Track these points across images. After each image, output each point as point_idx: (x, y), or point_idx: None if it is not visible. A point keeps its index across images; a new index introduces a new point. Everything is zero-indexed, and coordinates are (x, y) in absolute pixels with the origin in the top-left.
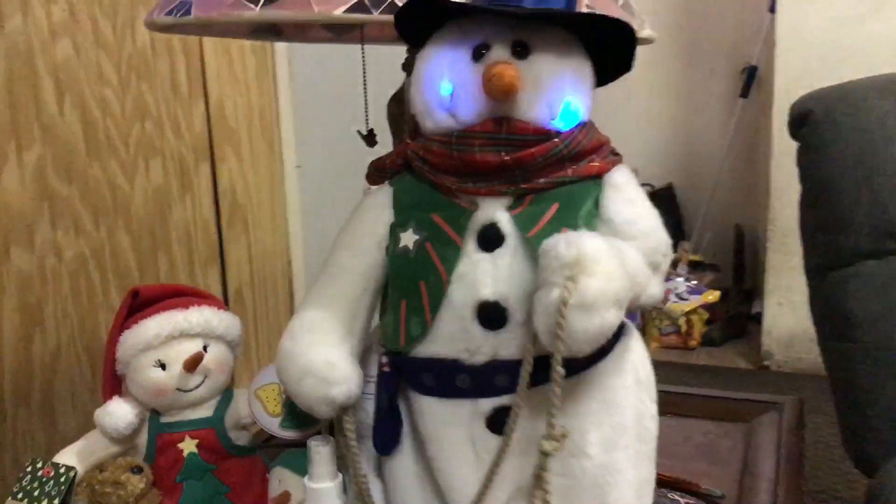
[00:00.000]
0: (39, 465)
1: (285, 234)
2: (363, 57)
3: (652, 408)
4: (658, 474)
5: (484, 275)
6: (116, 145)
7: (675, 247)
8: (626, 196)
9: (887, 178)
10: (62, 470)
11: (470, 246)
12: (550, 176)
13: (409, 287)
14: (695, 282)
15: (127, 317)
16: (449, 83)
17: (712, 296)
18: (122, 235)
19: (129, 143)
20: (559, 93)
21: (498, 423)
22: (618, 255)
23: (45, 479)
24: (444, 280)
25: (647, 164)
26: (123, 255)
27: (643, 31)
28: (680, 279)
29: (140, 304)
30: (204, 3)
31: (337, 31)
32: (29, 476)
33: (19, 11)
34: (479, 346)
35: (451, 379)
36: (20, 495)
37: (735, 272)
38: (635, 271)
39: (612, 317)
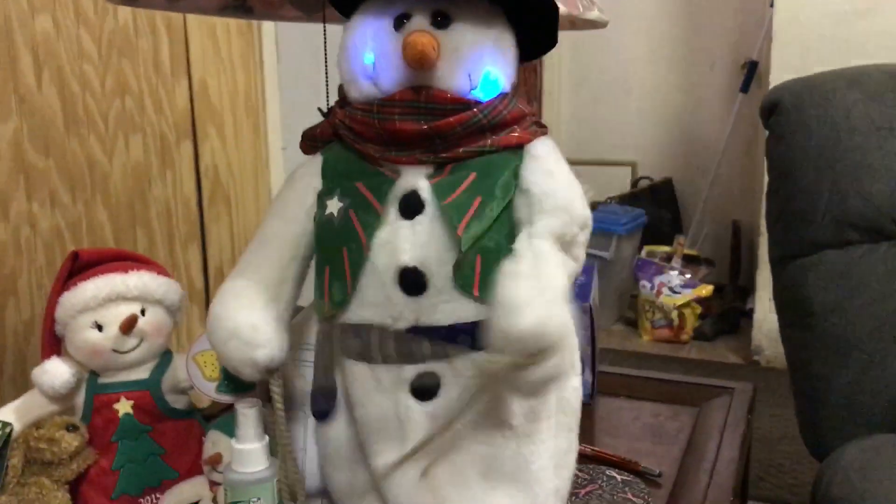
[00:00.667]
0: None
1: None
2: (325, 36)
3: (575, 381)
4: (598, 452)
5: (404, 241)
6: (96, 120)
7: (672, 240)
8: (545, 167)
9: (849, 169)
10: (0, 426)
11: (391, 214)
12: (470, 145)
13: (332, 253)
14: (689, 276)
15: (67, 279)
16: (371, 52)
17: (706, 290)
18: (100, 210)
19: (108, 119)
20: (479, 63)
21: (420, 389)
22: (534, 284)
23: None
24: (364, 246)
25: (647, 157)
26: (100, 229)
27: (590, 13)
28: (674, 272)
29: (80, 267)
30: None
31: (305, 10)
32: None
33: None
34: (401, 312)
35: (378, 345)
36: None
37: (731, 268)
38: (557, 280)
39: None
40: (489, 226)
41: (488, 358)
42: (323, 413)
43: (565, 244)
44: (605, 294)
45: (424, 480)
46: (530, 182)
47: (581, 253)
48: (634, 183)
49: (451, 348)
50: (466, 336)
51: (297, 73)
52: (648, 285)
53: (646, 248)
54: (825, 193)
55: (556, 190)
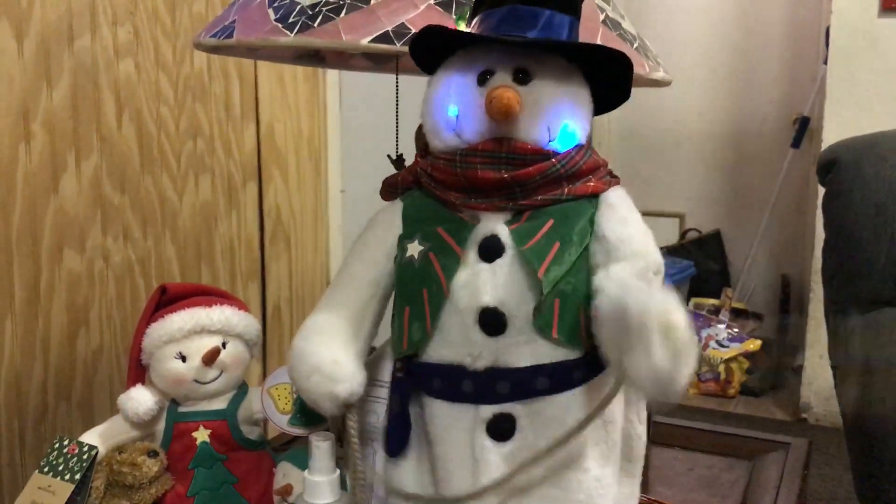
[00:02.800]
0: (66, 442)
1: (325, 254)
2: (397, 86)
3: (640, 429)
4: (654, 501)
5: (484, 283)
6: (169, 160)
7: (720, 293)
8: (619, 215)
9: None
10: (85, 448)
11: (471, 257)
12: (547, 194)
13: (412, 294)
14: (736, 329)
15: (154, 311)
16: (455, 105)
17: (753, 344)
18: (169, 246)
19: (180, 159)
20: (557, 116)
21: (497, 429)
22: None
23: (69, 456)
24: (445, 288)
25: (696, 209)
26: (168, 264)
27: (656, 74)
28: (721, 326)
29: (167, 300)
30: (245, 28)
31: (375, 61)
32: (56, 452)
33: (88, 31)
34: (481, 352)
35: (457, 383)
36: (46, 469)
37: (779, 322)
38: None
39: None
40: (567, 270)
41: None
42: (396, 449)
43: None
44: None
45: None
46: (606, 229)
47: None
48: (683, 234)
49: (528, 389)
50: (544, 378)
51: (356, 120)
52: (696, 338)
53: (693, 301)
54: (883, 250)
55: (632, 236)
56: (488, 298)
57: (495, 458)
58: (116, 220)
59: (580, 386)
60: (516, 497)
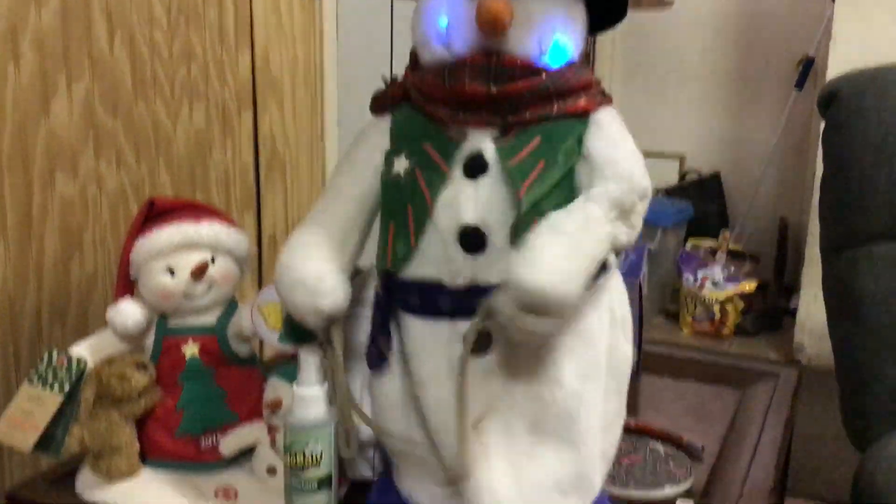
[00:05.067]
0: (55, 355)
1: (322, 185)
2: (392, 7)
3: (626, 348)
4: (642, 425)
5: (466, 200)
6: (162, 85)
7: (717, 235)
8: (608, 135)
9: None
10: (74, 361)
11: (456, 173)
12: (536, 110)
13: (397, 210)
14: (733, 271)
15: (143, 224)
16: (445, 17)
17: (749, 286)
18: (163, 173)
19: (174, 85)
20: (549, 30)
21: (475, 344)
22: (573, 245)
23: (58, 368)
24: (429, 204)
25: (696, 150)
26: (163, 191)
27: None
28: (718, 267)
29: (156, 214)
30: None
31: None
32: (45, 365)
33: None
34: (460, 270)
35: (434, 300)
36: (35, 380)
37: (776, 265)
38: (598, 243)
39: (569, 314)
40: (549, 190)
41: (494, 299)
42: (377, 364)
43: (623, 212)
44: (648, 285)
45: (474, 432)
46: (594, 149)
47: (638, 222)
48: (682, 176)
49: None
50: None
51: (354, 51)
52: (691, 278)
53: (690, 242)
54: (881, 184)
55: (619, 158)
56: (469, 216)
57: (475, 372)
58: (109, 145)
59: None
60: (496, 410)
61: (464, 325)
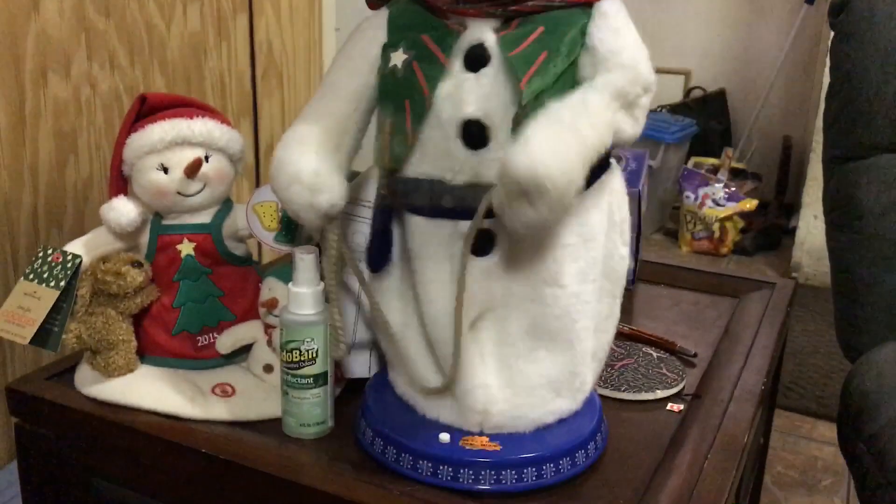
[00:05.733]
0: (50, 251)
1: None
2: None
3: (623, 250)
4: (635, 330)
5: (468, 93)
6: None
7: (720, 153)
8: (612, 25)
9: None
10: (69, 257)
11: (456, 66)
12: (539, 0)
13: (394, 105)
14: (734, 189)
15: (135, 121)
16: None
17: (750, 204)
18: (157, 76)
19: None
20: None
21: (476, 244)
22: (568, 131)
23: (53, 264)
24: (427, 98)
25: (702, 66)
26: None
27: None
28: (719, 185)
29: (148, 110)
30: None
31: None
32: (40, 261)
33: None
34: (462, 166)
35: (437, 198)
36: (31, 276)
37: (778, 183)
38: (598, 131)
39: (566, 202)
40: (552, 82)
41: (492, 192)
42: (378, 264)
43: (627, 104)
44: (648, 202)
45: (471, 332)
46: (597, 39)
47: (642, 116)
48: (687, 92)
49: None
50: None
51: None
52: (692, 196)
53: (693, 159)
54: (889, 96)
55: (623, 48)
56: (472, 109)
57: (474, 272)
58: (102, 47)
59: None
60: (493, 311)
61: (466, 225)
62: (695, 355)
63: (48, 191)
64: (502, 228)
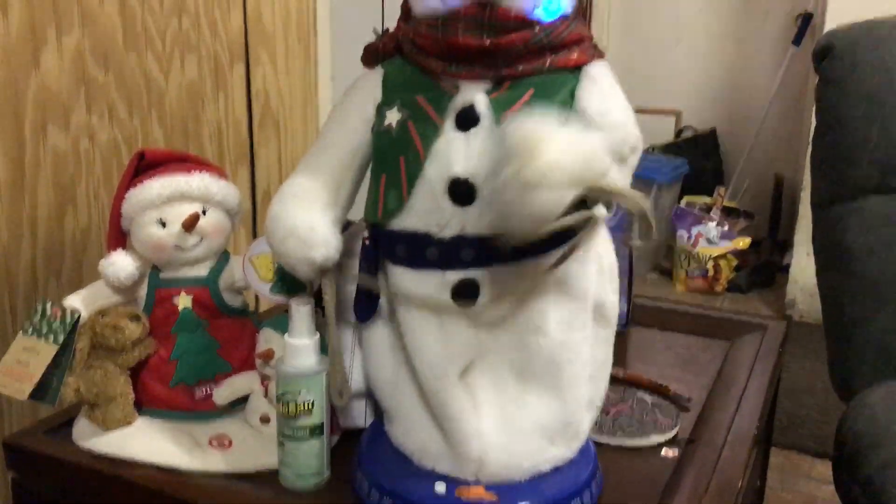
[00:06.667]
0: (49, 306)
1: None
2: None
3: (613, 297)
4: (630, 375)
5: (457, 152)
6: (154, 38)
7: (712, 192)
8: (600, 88)
9: None
10: (68, 312)
11: (448, 125)
12: (529, 63)
13: (389, 162)
14: (727, 227)
15: (133, 177)
16: None
17: (743, 242)
18: (156, 126)
19: (165, 38)
20: None
21: (462, 294)
22: (571, 136)
23: (52, 319)
24: (422, 156)
25: (693, 106)
26: (155, 145)
27: None
28: (712, 223)
29: (146, 166)
30: None
31: None
32: (39, 315)
33: None
34: (449, 221)
35: (422, 250)
36: (30, 331)
37: (770, 221)
38: (592, 153)
39: (557, 196)
40: None
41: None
42: (365, 315)
43: (616, 161)
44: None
45: (462, 379)
46: (585, 101)
47: (629, 175)
48: (678, 132)
49: (493, 256)
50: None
51: (347, 4)
52: (686, 235)
53: (685, 198)
54: (873, 138)
55: (611, 109)
56: (459, 168)
57: (462, 322)
58: (101, 99)
59: (542, 254)
60: (483, 358)
61: (451, 275)
62: (689, 400)
63: (46, 241)
64: (488, 278)
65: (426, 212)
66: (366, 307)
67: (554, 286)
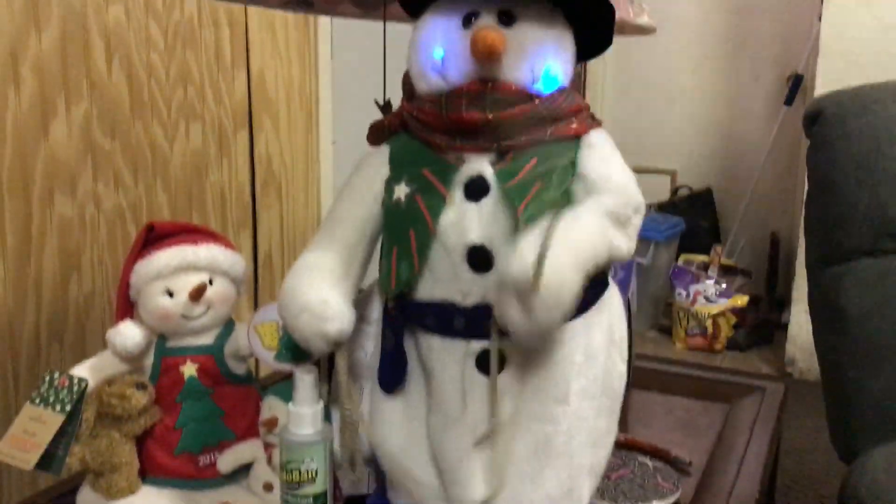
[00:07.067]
0: (56, 375)
1: (317, 205)
2: (384, 32)
3: (621, 367)
4: (631, 440)
5: (471, 221)
6: (159, 107)
7: (709, 250)
8: (600, 155)
9: (889, 178)
10: (76, 381)
11: (458, 197)
12: (531, 135)
13: (399, 234)
14: (724, 285)
15: (142, 248)
16: (441, 48)
17: (741, 300)
18: (160, 193)
19: (171, 107)
20: (541, 58)
21: (485, 363)
22: (568, 232)
23: (60, 388)
24: (430, 227)
25: (688, 166)
26: (159, 211)
27: (640, 19)
28: (710, 282)
29: (154, 238)
30: None
31: (363, 6)
32: (46, 385)
33: None
34: (470, 288)
35: (450, 319)
36: (37, 401)
37: (767, 279)
38: (590, 240)
39: (569, 299)
40: (547, 208)
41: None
42: (392, 384)
43: (619, 223)
44: (641, 300)
45: (477, 450)
46: (587, 168)
47: (634, 234)
48: (674, 191)
49: None
50: None
51: (348, 71)
52: (684, 293)
53: (683, 257)
54: (864, 202)
55: (611, 174)
56: (475, 236)
57: (482, 390)
58: (107, 167)
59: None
60: (501, 430)
61: (476, 345)
62: (689, 464)
63: (50, 307)
64: (513, 347)
65: (448, 280)
66: (392, 377)
67: (578, 355)
